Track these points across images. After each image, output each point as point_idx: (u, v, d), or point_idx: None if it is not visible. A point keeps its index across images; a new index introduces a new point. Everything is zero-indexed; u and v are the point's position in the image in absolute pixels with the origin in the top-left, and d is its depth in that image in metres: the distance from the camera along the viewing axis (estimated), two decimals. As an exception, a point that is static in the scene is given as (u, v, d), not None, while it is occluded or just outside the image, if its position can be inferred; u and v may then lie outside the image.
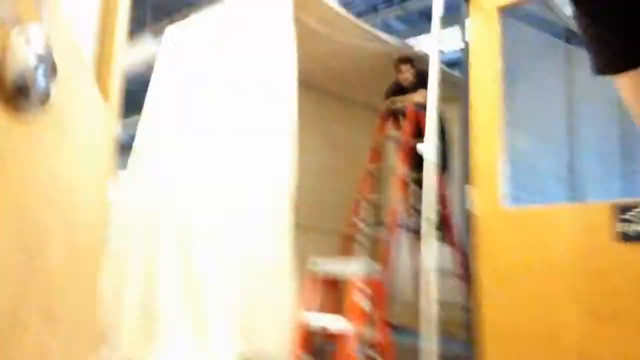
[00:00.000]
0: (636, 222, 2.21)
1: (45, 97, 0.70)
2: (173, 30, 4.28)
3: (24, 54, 0.62)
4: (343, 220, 5.21)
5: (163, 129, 3.86)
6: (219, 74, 3.67)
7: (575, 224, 2.39)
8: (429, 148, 2.88)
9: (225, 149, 3.40)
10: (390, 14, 7.80)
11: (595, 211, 2.35)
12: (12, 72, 0.60)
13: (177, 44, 4.17)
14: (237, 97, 3.45)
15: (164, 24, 6.01)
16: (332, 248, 4.31)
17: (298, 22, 3.33)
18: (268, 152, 3.14)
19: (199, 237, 3.16)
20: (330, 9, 3.51)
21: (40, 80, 0.66)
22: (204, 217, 3.22)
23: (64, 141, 1.11)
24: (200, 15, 4.18)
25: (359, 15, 7.70)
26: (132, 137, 3.86)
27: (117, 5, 1.84)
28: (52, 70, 0.69)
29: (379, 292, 3.02)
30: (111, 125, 1.84)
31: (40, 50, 0.65)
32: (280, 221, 2.94)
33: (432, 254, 2.70)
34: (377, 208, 5.48)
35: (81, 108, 1.32)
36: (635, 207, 2.22)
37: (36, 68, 0.65)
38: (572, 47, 3.63)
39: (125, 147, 3.18)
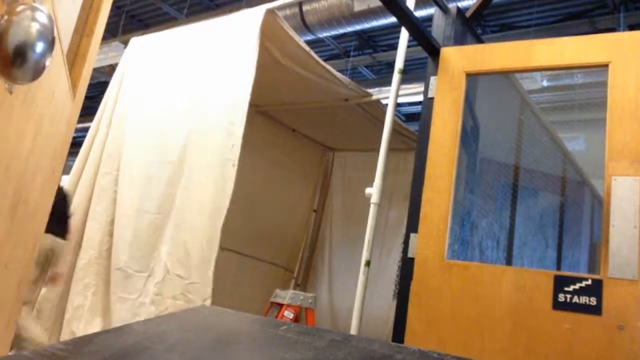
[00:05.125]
0: (573, 294, 2.35)
1: (39, 70, 0.72)
2: (139, 42, 4.31)
3: (27, 27, 0.64)
4: (284, 254, 5.31)
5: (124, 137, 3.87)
6: (179, 90, 3.72)
7: (515, 287, 2.49)
8: (374, 192, 3.03)
9: (177, 161, 3.45)
10: (361, 62, 8.05)
11: (536, 278, 2.46)
12: (12, 42, 0.63)
13: (141, 55, 4.19)
14: (193, 116, 3.51)
15: (137, 35, 6.01)
16: (275, 278, 4.41)
17: (264, 50, 3.43)
18: (212, 172, 3.21)
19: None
20: (295, 42, 3.62)
21: (38, 54, 0.68)
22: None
23: (29, 122, 1.12)
24: (170, 31, 4.23)
25: (330, 58, 7.94)
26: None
27: (100, 5, 1.87)
28: (50, 46, 0.72)
29: (310, 318, 3.53)
30: (73, 119, 1.83)
31: (43, 26, 0.68)
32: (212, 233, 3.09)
33: (362, 292, 2.90)
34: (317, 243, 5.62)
35: (51, 97, 1.32)
36: (575, 281, 2.36)
37: (35, 42, 0.67)
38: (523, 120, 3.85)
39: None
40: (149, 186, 3.55)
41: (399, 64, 3.15)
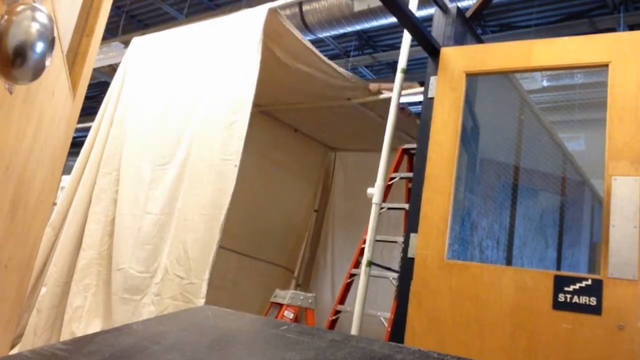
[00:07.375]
0: (573, 294, 2.35)
1: (39, 70, 0.72)
2: (140, 42, 4.31)
3: (27, 27, 0.64)
4: (285, 254, 5.30)
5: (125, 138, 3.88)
6: (180, 90, 3.72)
7: (515, 287, 2.49)
8: (376, 192, 3.04)
9: (178, 161, 3.44)
10: (361, 62, 8.05)
11: (536, 278, 2.46)
12: (12, 42, 0.63)
13: (143, 55, 4.19)
14: (195, 116, 3.51)
15: (137, 35, 6.02)
16: (276, 278, 4.42)
17: (266, 49, 3.43)
18: (214, 172, 3.21)
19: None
20: (297, 40, 3.62)
21: (38, 54, 0.68)
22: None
23: (29, 122, 1.12)
24: (171, 31, 4.23)
25: (330, 58, 7.91)
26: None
27: (100, 5, 1.87)
28: (50, 46, 0.72)
29: (310, 318, 3.58)
30: (73, 119, 1.83)
31: (43, 26, 0.68)
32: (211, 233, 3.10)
33: (363, 292, 2.88)
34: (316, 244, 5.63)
35: (51, 97, 1.32)
36: (575, 281, 2.36)
37: (35, 42, 0.67)
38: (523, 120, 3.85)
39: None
40: (150, 186, 3.55)
41: (402, 63, 3.14)
